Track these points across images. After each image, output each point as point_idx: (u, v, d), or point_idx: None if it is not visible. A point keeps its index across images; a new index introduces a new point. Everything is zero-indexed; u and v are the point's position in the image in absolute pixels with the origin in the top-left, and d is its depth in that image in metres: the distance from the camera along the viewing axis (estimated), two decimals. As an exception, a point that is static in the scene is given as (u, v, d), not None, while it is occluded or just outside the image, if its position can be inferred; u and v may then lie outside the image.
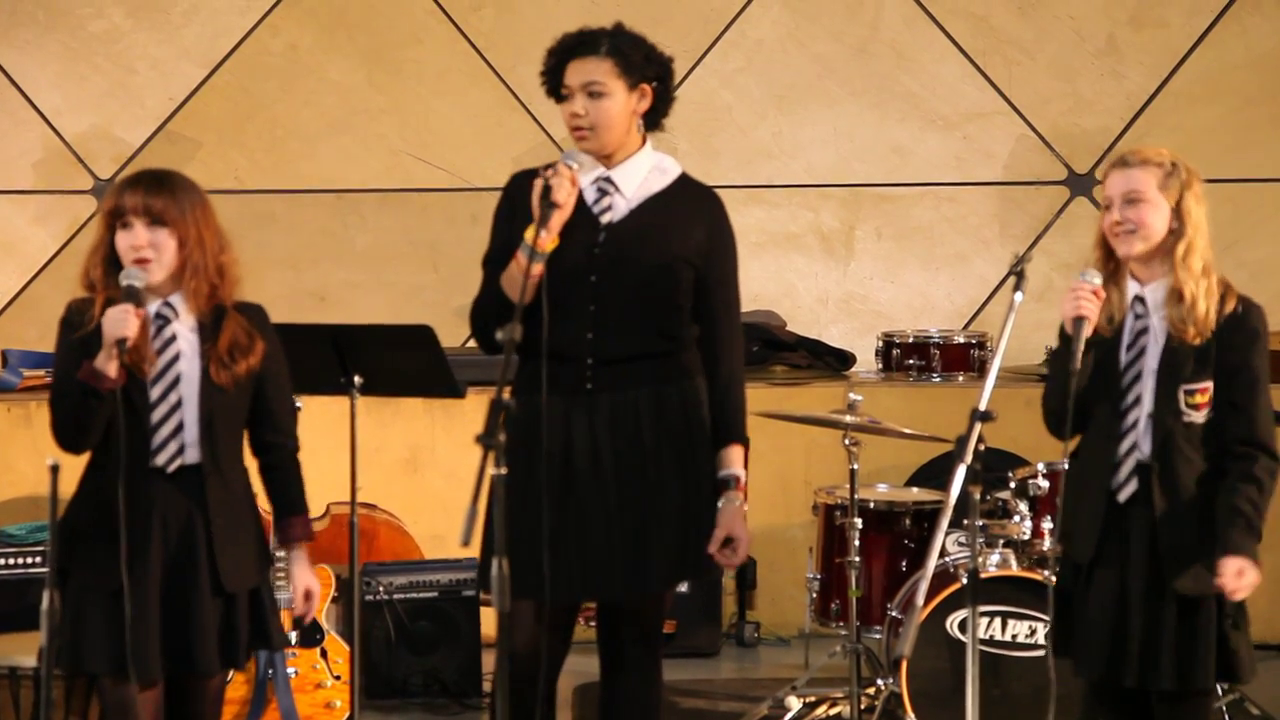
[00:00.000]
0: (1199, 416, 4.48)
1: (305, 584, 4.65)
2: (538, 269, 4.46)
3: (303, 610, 4.65)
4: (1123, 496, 4.51)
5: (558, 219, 4.48)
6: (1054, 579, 4.66)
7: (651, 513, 4.58)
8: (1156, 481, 4.48)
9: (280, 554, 5.04)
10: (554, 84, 4.63)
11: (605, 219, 4.62)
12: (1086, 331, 4.48)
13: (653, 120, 4.70)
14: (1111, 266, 4.57)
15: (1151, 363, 4.50)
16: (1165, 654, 4.45)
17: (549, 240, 4.46)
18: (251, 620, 4.53)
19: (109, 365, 4.32)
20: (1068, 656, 4.62)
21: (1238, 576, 4.39)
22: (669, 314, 4.62)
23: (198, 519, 4.44)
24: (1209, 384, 4.47)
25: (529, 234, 4.46)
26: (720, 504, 4.64)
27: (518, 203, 4.62)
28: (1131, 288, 4.55)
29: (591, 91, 4.57)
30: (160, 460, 4.42)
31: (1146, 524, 4.48)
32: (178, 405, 4.42)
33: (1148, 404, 4.49)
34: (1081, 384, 4.49)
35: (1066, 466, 4.70)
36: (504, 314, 4.41)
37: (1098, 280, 4.50)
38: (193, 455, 4.44)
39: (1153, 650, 4.46)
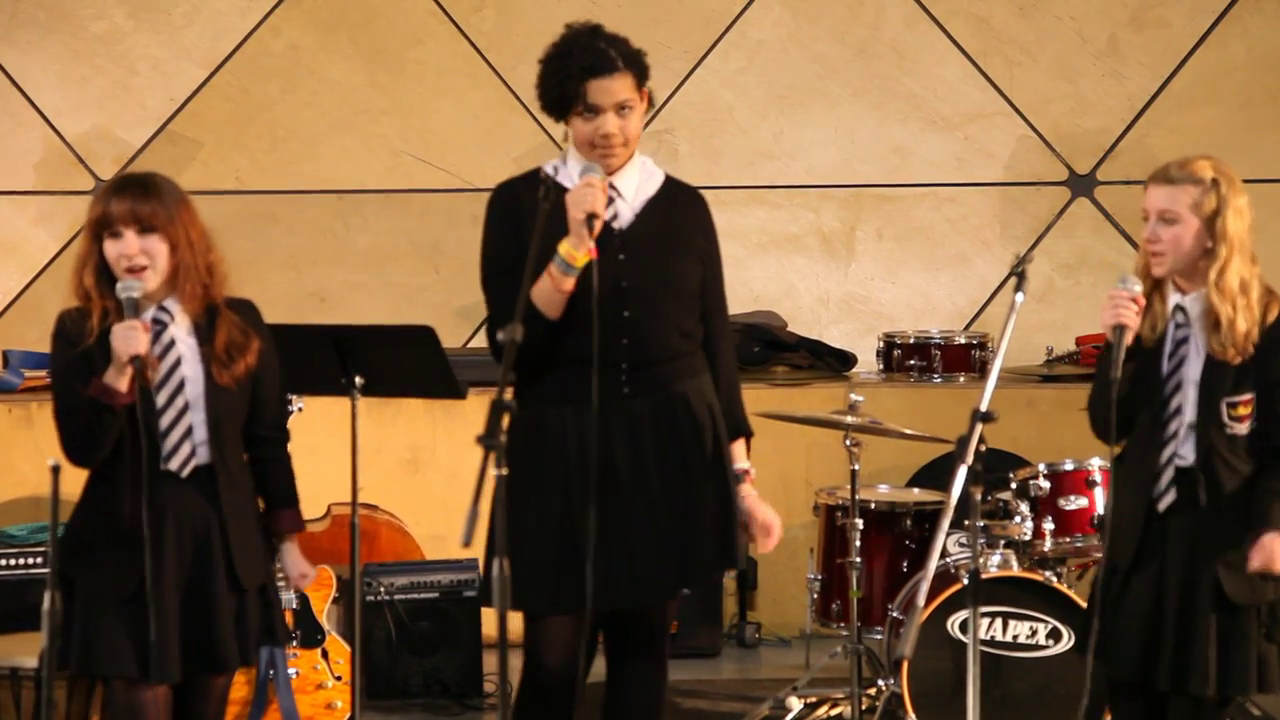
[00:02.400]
0: (1242, 428, 4.48)
1: (300, 569, 4.72)
2: (571, 283, 4.47)
3: (299, 584, 4.76)
4: (1162, 505, 4.52)
5: (597, 229, 4.48)
6: (1054, 579, 4.66)
7: (692, 510, 4.61)
8: (1201, 491, 4.46)
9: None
10: (569, 102, 4.59)
11: (615, 225, 4.62)
12: (1127, 339, 4.46)
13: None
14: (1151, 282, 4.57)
15: (1193, 373, 4.50)
16: (1199, 660, 4.45)
17: (584, 253, 4.46)
18: (260, 616, 4.55)
19: (120, 381, 4.32)
20: (1099, 656, 4.63)
21: (1267, 559, 4.40)
22: (689, 313, 4.66)
23: (213, 518, 4.46)
24: (1251, 395, 4.47)
25: (564, 249, 4.44)
26: (741, 498, 4.70)
27: (520, 215, 4.58)
28: (1173, 297, 4.54)
29: (623, 109, 4.57)
30: (174, 465, 4.43)
31: (1184, 532, 4.48)
32: (185, 409, 4.43)
33: (1189, 414, 4.49)
34: (1124, 390, 4.49)
35: (1070, 465, 4.69)
36: (543, 332, 4.44)
37: (1138, 288, 4.48)
38: (204, 456, 4.45)
39: (1187, 655, 4.46)
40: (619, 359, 4.56)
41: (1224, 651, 4.46)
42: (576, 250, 4.44)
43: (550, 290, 4.48)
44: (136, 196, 4.40)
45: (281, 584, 4.83)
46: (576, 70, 4.56)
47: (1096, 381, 4.64)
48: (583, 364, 4.48)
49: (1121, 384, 4.46)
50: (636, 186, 4.66)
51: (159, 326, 4.44)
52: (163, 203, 4.40)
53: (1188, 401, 4.49)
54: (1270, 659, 4.51)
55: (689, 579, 4.67)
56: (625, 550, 4.55)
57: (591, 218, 4.43)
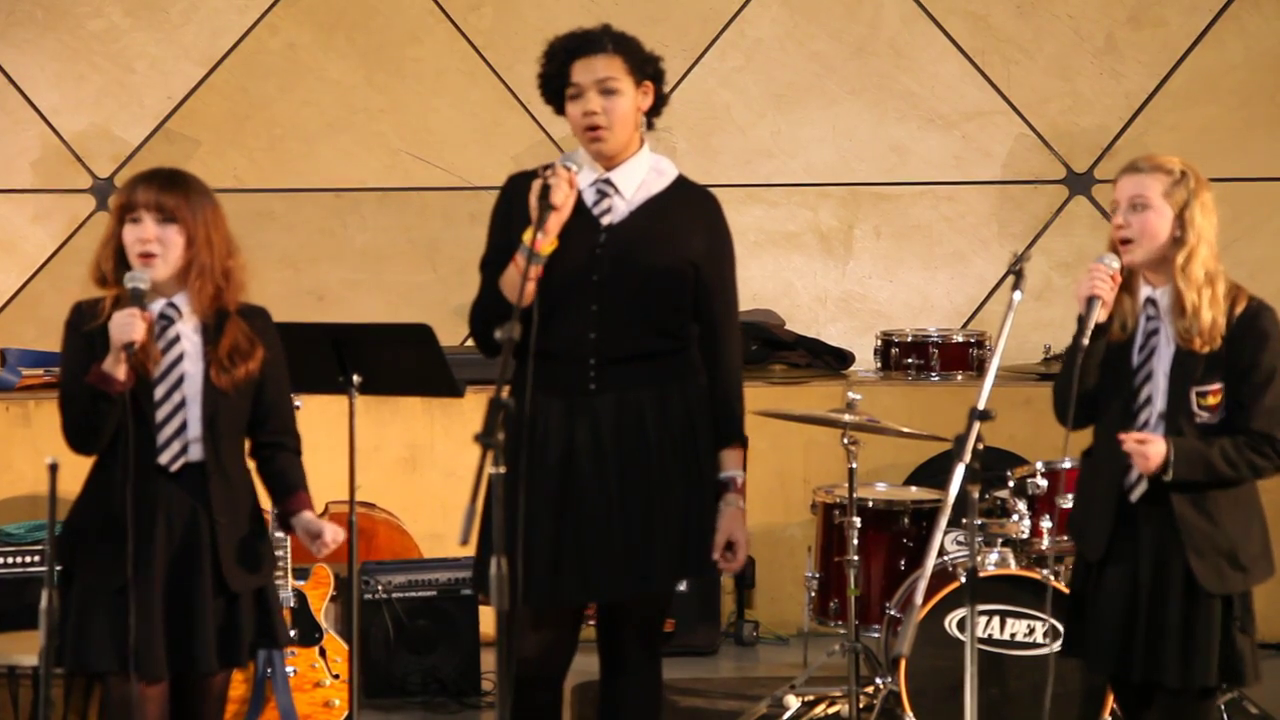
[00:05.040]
0: (1211, 417, 4.52)
1: (319, 527, 4.51)
2: (536, 271, 4.46)
3: (326, 535, 4.52)
4: (1135, 495, 4.56)
5: (555, 221, 4.47)
6: (1053, 578, 4.68)
7: (654, 512, 4.58)
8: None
9: (280, 553, 5.03)
10: (558, 85, 4.61)
11: (605, 220, 4.61)
12: (1100, 315, 4.52)
13: (649, 120, 4.70)
14: (1125, 271, 4.60)
15: (1163, 364, 4.55)
16: (1170, 650, 4.50)
17: (546, 242, 4.46)
18: (257, 619, 4.53)
19: (117, 369, 4.33)
20: (1079, 655, 4.69)
21: (1139, 444, 4.43)
22: (670, 314, 4.62)
23: (202, 517, 4.45)
24: (1220, 385, 4.51)
25: (526, 236, 4.46)
26: (720, 506, 4.64)
27: (515, 205, 4.61)
28: (1144, 290, 4.59)
29: (605, 88, 4.56)
30: (164, 459, 4.43)
31: (1156, 522, 4.53)
32: (181, 405, 4.44)
33: (1159, 404, 4.54)
34: (1092, 381, 4.55)
35: (1069, 464, 4.71)
36: (504, 316, 4.40)
37: (1116, 264, 4.54)
38: (196, 453, 4.45)
39: (1158, 645, 4.50)
40: (587, 354, 4.55)
41: (1191, 641, 4.50)
42: (539, 237, 4.43)
43: (515, 276, 4.46)
44: (163, 186, 4.43)
45: (281, 581, 4.80)
46: (561, 52, 4.60)
47: (1064, 365, 4.67)
48: (550, 358, 4.48)
49: (1092, 374, 4.53)
50: (639, 183, 4.65)
51: (165, 321, 4.45)
52: (187, 198, 4.43)
53: (1158, 391, 4.54)
54: (1244, 651, 4.54)
55: (646, 581, 4.59)
56: (581, 548, 4.53)
57: (548, 207, 4.43)
